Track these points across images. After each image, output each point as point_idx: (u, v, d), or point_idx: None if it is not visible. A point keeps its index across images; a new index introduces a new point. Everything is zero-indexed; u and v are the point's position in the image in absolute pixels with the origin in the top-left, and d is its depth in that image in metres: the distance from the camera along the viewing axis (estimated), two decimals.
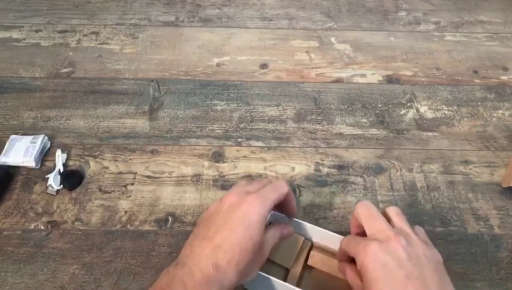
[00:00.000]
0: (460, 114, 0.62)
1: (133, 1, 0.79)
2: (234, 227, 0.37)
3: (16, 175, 0.53)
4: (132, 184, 0.53)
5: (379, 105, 0.63)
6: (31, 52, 0.69)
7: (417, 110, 0.63)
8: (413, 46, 0.72)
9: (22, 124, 0.59)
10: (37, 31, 0.73)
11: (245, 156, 0.57)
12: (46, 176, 0.53)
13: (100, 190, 0.53)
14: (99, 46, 0.71)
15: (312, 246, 0.45)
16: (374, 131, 0.60)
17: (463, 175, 0.55)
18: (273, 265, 0.44)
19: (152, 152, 0.57)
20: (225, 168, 0.55)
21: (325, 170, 0.55)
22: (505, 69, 0.69)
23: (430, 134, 0.60)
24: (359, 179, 0.54)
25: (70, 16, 0.76)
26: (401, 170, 0.55)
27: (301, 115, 0.62)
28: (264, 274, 0.40)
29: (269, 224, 0.43)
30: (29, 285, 0.45)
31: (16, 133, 0.57)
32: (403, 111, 0.63)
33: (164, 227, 0.49)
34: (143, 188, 0.53)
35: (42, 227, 0.49)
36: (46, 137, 0.56)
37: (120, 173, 0.54)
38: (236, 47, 0.71)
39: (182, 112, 0.62)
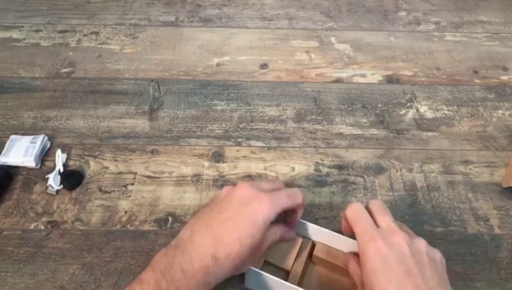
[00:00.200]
0: (460, 114, 0.62)
1: (133, 1, 0.79)
2: (240, 224, 0.38)
3: (16, 175, 0.53)
4: (132, 184, 0.53)
5: (379, 105, 0.63)
6: (31, 52, 0.69)
7: (417, 110, 0.63)
8: (413, 46, 0.72)
9: (22, 124, 0.59)
10: (37, 31, 0.73)
11: (245, 156, 0.57)
12: (46, 176, 0.53)
13: (100, 190, 0.53)
14: (99, 46, 0.71)
15: (313, 245, 0.45)
16: (374, 131, 0.60)
17: (463, 175, 0.55)
18: (272, 267, 0.44)
19: (152, 152, 0.57)
20: (225, 168, 0.55)
21: (325, 170, 0.55)
22: (505, 69, 0.69)
23: (430, 134, 0.60)
24: (359, 179, 0.54)
25: (70, 16, 0.76)
26: (401, 170, 0.55)
27: (301, 115, 0.62)
28: (265, 274, 0.40)
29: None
30: (29, 285, 0.45)
31: (16, 133, 0.57)
32: (403, 111, 0.63)
33: (164, 227, 0.49)
34: (143, 188, 0.53)
35: (42, 227, 0.49)
36: (46, 137, 0.56)
37: (120, 173, 0.54)
38: (236, 47, 0.71)
39: (182, 112, 0.62)
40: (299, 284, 0.43)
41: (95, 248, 0.48)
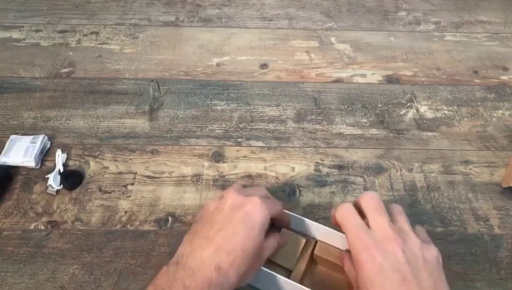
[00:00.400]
0: (460, 114, 0.62)
1: (133, 1, 0.79)
2: (237, 227, 0.37)
3: (16, 175, 0.53)
4: (132, 184, 0.53)
5: (379, 105, 0.63)
6: (31, 52, 0.69)
7: (417, 110, 0.63)
8: (413, 46, 0.72)
9: (22, 124, 0.59)
10: (37, 31, 0.73)
11: (245, 156, 0.57)
12: (46, 176, 0.53)
13: (100, 190, 0.53)
14: (99, 46, 0.71)
15: (316, 243, 0.46)
16: (374, 131, 0.60)
17: (463, 175, 0.55)
18: (275, 266, 0.44)
19: (152, 152, 0.57)
20: (225, 168, 0.55)
21: (325, 170, 0.55)
22: (505, 69, 0.69)
23: (430, 134, 0.60)
24: (359, 179, 0.54)
25: (70, 16, 0.76)
26: (401, 170, 0.55)
27: (301, 115, 0.62)
28: (269, 271, 0.40)
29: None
30: (29, 285, 0.45)
31: (16, 133, 0.57)
32: (403, 111, 0.63)
33: (164, 227, 0.49)
34: (143, 188, 0.53)
35: (42, 227, 0.49)
36: (46, 137, 0.56)
37: (120, 173, 0.54)
38: (236, 47, 0.71)
39: (182, 112, 0.62)
40: (301, 283, 0.43)
41: (95, 248, 0.48)
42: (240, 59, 0.69)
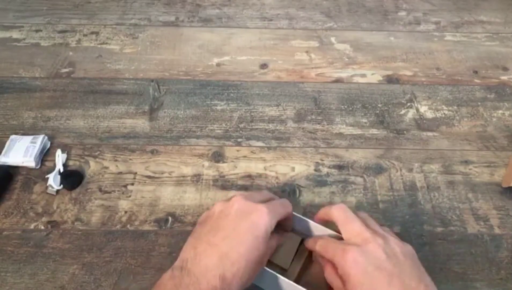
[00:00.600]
0: (460, 114, 0.62)
1: (133, 1, 0.79)
2: (243, 237, 0.37)
3: (16, 175, 0.53)
4: (132, 184, 0.53)
5: (379, 105, 0.63)
6: (31, 52, 0.69)
7: (417, 110, 0.63)
8: (413, 46, 0.72)
9: (22, 124, 0.59)
10: (37, 31, 0.73)
11: (245, 156, 0.57)
12: (46, 176, 0.53)
13: (100, 190, 0.53)
14: (99, 46, 0.71)
15: None
16: (374, 131, 0.60)
17: (463, 175, 0.55)
18: (270, 265, 0.44)
19: (152, 152, 0.57)
20: (225, 168, 0.55)
21: (325, 170, 0.55)
22: (505, 69, 0.69)
23: (430, 134, 0.60)
24: (359, 179, 0.54)
25: (70, 16, 0.76)
26: (401, 170, 0.55)
27: (301, 115, 0.62)
28: (270, 270, 0.41)
29: None
30: (29, 285, 0.45)
31: (16, 133, 0.57)
32: (403, 111, 0.63)
33: (164, 227, 0.49)
34: (143, 188, 0.53)
35: (42, 227, 0.49)
36: (46, 137, 0.56)
37: (120, 173, 0.54)
38: (236, 47, 0.71)
39: (182, 112, 0.62)
40: (297, 281, 0.43)
41: (95, 248, 0.48)
42: (240, 59, 0.69)
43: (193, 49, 0.71)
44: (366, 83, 0.66)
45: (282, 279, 0.40)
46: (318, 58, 0.70)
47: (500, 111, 0.63)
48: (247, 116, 0.61)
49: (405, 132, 0.60)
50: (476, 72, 0.68)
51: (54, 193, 0.52)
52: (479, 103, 0.64)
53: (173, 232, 0.49)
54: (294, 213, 0.46)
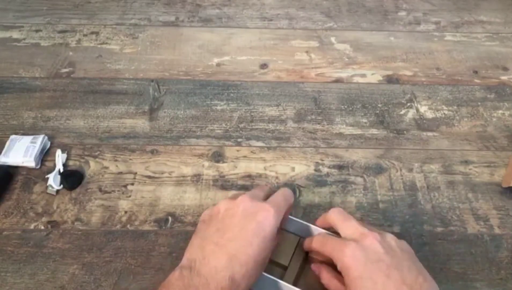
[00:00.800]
0: (460, 114, 0.62)
1: (133, 1, 0.79)
2: (251, 239, 0.37)
3: (16, 175, 0.53)
4: (132, 184, 0.53)
5: (379, 105, 0.63)
6: (31, 52, 0.69)
7: (417, 110, 0.63)
8: (413, 46, 0.72)
9: (22, 124, 0.59)
10: (37, 31, 0.73)
11: (245, 156, 0.57)
12: (46, 176, 0.53)
13: (100, 190, 0.53)
14: (99, 46, 0.71)
15: None
16: (374, 131, 0.60)
17: (463, 175, 0.55)
18: (270, 262, 0.44)
19: (152, 152, 0.57)
20: (225, 168, 0.55)
21: (325, 170, 0.55)
22: (505, 69, 0.69)
23: (430, 134, 0.60)
24: (359, 179, 0.54)
25: (70, 16, 0.76)
26: (401, 170, 0.55)
27: (301, 115, 0.62)
28: (270, 276, 0.41)
29: None
30: (29, 285, 0.45)
31: (16, 133, 0.57)
32: (403, 111, 0.63)
33: (164, 227, 0.49)
34: (143, 188, 0.53)
35: (42, 227, 0.49)
36: (46, 137, 0.56)
37: (120, 173, 0.54)
38: (236, 47, 0.71)
39: (182, 112, 0.62)
40: (295, 282, 0.43)
41: (95, 248, 0.48)
42: (240, 59, 0.69)
43: (193, 49, 0.71)
44: (366, 83, 0.66)
45: (282, 283, 0.40)
46: (318, 58, 0.70)
47: (500, 111, 0.63)
48: (247, 116, 0.61)
49: (405, 132, 0.60)
50: (476, 72, 0.68)
51: (54, 193, 0.52)
52: (479, 103, 0.64)
53: (173, 232, 0.49)
54: (291, 217, 0.46)
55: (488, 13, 0.79)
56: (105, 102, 0.62)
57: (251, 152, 0.57)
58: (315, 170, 0.55)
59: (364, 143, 0.58)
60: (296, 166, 0.56)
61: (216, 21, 0.76)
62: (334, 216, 0.42)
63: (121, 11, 0.77)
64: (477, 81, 0.67)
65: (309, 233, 0.45)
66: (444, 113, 0.62)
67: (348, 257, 0.37)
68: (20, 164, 0.54)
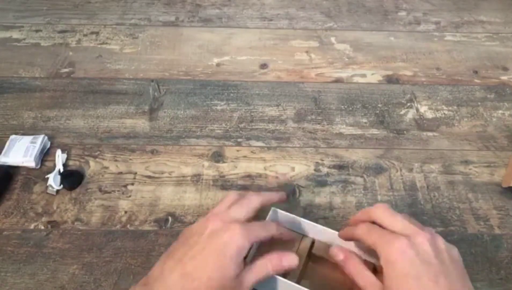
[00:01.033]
0: (460, 114, 0.62)
1: (133, 1, 0.79)
2: (208, 257, 0.36)
3: (16, 175, 0.53)
4: (132, 184, 0.53)
5: (379, 105, 0.63)
6: (31, 52, 0.69)
7: (417, 110, 0.63)
8: (413, 46, 0.72)
9: (22, 124, 0.59)
10: (37, 31, 0.73)
11: (245, 156, 0.57)
12: (46, 176, 0.53)
13: (100, 190, 0.53)
14: (99, 46, 0.71)
15: (313, 243, 0.46)
16: (374, 131, 0.60)
17: (463, 175, 0.55)
18: None
19: (152, 152, 0.57)
20: (225, 168, 0.55)
21: (325, 170, 0.55)
22: (505, 69, 0.69)
23: (430, 134, 0.60)
24: (359, 179, 0.54)
25: (70, 16, 0.76)
26: (401, 170, 0.55)
27: (301, 115, 0.62)
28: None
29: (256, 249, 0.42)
30: (29, 285, 0.45)
31: (16, 133, 0.57)
32: (403, 111, 0.63)
33: (164, 227, 0.49)
34: (143, 188, 0.53)
35: (42, 227, 0.49)
36: (46, 137, 0.56)
37: (120, 173, 0.54)
38: (236, 47, 0.71)
39: (182, 112, 0.62)
40: (299, 282, 0.43)
41: (95, 248, 0.48)
42: (240, 59, 0.69)
43: (193, 49, 0.71)
44: (366, 83, 0.66)
45: (285, 281, 0.40)
46: (318, 58, 0.70)
47: (500, 111, 0.63)
48: (247, 116, 0.61)
49: (405, 132, 0.60)
50: (476, 72, 0.68)
51: (54, 193, 0.52)
52: (479, 103, 0.64)
53: (173, 232, 0.49)
54: (289, 214, 0.46)
55: (488, 13, 0.79)
56: (105, 102, 0.62)
57: (251, 152, 0.57)
58: (315, 170, 0.55)
59: (364, 143, 0.58)
60: (296, 166, 0.56)
61: (216, 21, 0.76)
62: (380, 212, 0.39)
63: (121, 11, 0.77)
64: (477, 81, 0.67)
65: (313, 232, 0.45)
66: (444, 113, 0.62)
67: (397, 251, 0.35)
68: (20, 164, 0.54)
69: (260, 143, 0.58)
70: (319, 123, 0.61)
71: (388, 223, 0.38)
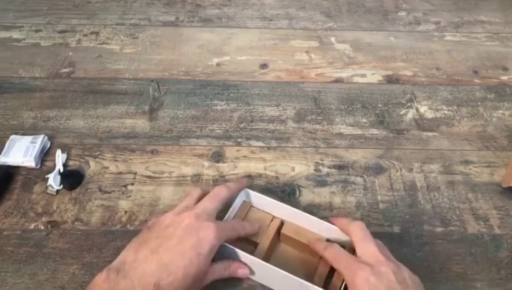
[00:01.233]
0: (460, 114, 0.62)
1: (133, 1, 0.79)
2: (185, 252, 0.38)
3: (16, 175, 0.53)
4: (132, 184, 0.53)
5: (379, 105, 0.63)
6: (31, 52, 0.69)
7: (417, 110, 0.63)
8: (413, 46, 0.72)
9: (22, 124, 0.59)
10: (37, 31, 0.73)
11: (245, 156, 0.57)
12: (46, 176, 0.53)
13: (100, 190, 0.53)
14: (99, 46, 0.71)
15: (282, 223, 0.47)
16: (374, 131, 0.60)
17: (463, 175, 0.55)
18: (242, 240, 0.45)
19: (152, 152, 0.57)
20: (225, 168, 0.55)
21: (325, 170, 0.55)
22: (505, 69, 0.69)
23: (430, 134, 0.60)
24: (359, 179, 0.54)
25: (70, 16, 0.76)
26: (401, 170, 0.55)
27: (301, 115, 0.62)
28: (231, 247, 0.42)
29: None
30: (29, 285, 0.45)
31: (16, 133, 0.57)
32: (403, 111, 0.63)
33: None
34: (143, 188, 0.53)
35: (42, 227, 0.49)
36: (46, 137, 0.56)
37: (120, 173, 0.54)
38: (236, 47, 0.71)
39: (182, 112, 0.62)
40: (266, 259, 0.44)
41: (95, 248, 0.48)
42: (240, 59, 0.69)
43: (193, 49, 0.71)
44: (366, 83, 0.66)
45: (249, 257, 0.41)
46: (318, 58, 0.70)
47: (500, 111, 0.63)
48: (247, 116, 0.61)
49: (405, 132, 0.60)
50: (476, 72, 0.68)
51: (54, 193, 0.52)
52: (479, 103, 0.64)
53: None
54: (258, 193, 0.47)
55: (488, 13, 0.79)
56: (105, 102, 0.62)
57: (251, 152, 0.57)
58: (315, 170, 0.55)
59: (364, 143, 0.58)
60: (296, 166, 0.56)
61: (216, 21, 0.76)
62: (356, 231, 0.42)
63: (121, 11, 0.77)
64: (477, 81, 0.67)
65: (284, 214, 0.46)
66: (444, 113, 0.62)
67: (361, 280, 0.37)
68: (20, 164, 0.53)
69: (260, 143, 0.58)
70: (319, 123, 0.61)
71: (358, 246, 0.41)
